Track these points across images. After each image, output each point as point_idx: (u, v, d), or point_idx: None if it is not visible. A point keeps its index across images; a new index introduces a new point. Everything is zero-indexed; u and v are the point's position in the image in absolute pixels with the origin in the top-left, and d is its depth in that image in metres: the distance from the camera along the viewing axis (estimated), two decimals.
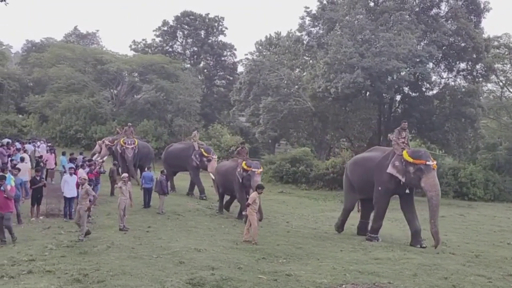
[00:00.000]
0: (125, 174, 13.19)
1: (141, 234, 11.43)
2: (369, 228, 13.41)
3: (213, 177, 18.24)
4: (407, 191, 12.75)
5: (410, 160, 12.36)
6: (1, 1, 16.09)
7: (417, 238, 12.59)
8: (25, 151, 18.61)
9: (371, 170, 13.23)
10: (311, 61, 33.03)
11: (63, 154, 19.05)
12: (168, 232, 11.93)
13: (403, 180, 12.41)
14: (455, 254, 11.50)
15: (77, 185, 13.05)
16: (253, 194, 11.89)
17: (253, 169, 14.87)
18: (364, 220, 14.31)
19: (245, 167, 15.17)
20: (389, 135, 16.00)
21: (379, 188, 12.96)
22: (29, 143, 22.65)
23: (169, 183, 19.25)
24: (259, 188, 12.14)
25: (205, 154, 19.37)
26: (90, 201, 11.19)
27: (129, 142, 20.27)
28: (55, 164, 19.04)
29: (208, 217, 14.88)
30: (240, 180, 15.08)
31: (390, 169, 12.56)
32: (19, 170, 12.32)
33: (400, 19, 26.64)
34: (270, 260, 9.66)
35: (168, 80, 38.89)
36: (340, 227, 14.53)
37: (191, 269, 8.33)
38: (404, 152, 12.60)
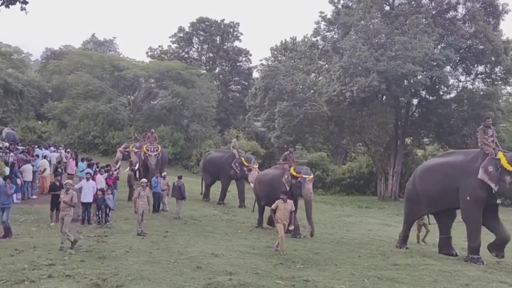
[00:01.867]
0: (144, 180, 13.29)
1: (158, 239, 11.48)
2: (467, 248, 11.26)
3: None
4: (498, 201, 11.00)
5: (510, 169, 10.38)
6: (21, 9, 16.50)
7: (501, 247, 11.13)
8: (44, 157, 18.93)
9: (453, 177, 11.21)
10: (326, 65, 32.95)
11: (82, 160, 19.27)
12: (185, 237, 11.96)
13: (495, 189, 10.53)
14: None
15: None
16: (278, 201, 11.10)
17: (304, 176, 13.30)
18: (445, 235, 12.24)
19: (294, 173, 13.48)
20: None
21: (468, 198, 10.90)
22: (46, 148, 22.98)
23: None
24: (284, 194, 11.33)
25: (246, 164, 18.52)
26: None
27: (152, 149, 19.51)
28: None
29: (225, 222, 14.88)
30: (288, 189, 13.13)
31: (481, 175, 10.60)
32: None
33: (416, 23, 26.42)
34: (287, 265, 9.61)
35: (184, 86, 39.25)
36: (402, 242, 12.61)
37: (209, 274, 8.33)
38: (502, 156, 10.64)
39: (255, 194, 15.64)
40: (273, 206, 11.11)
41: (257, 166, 18.86)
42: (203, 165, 20.72)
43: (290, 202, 11.20)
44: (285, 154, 15.03)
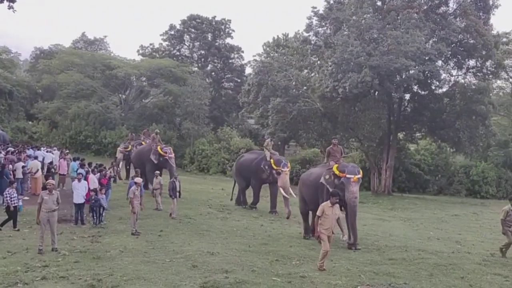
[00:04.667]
0: (139, 179, 13.23)
1: (153, 238, 11.42)
2: None
3: (285, 194, 16.28)
4: None
5: None
6: (9, 8, 16.30)
7: None
8: (36, 158, 18.77)
9: None
10: (318, 61, 32.90)
11: (74, 159, 19.11)
12: (181, 236, 11.90)
13: None
14: (471, 253, 11.37)
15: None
16: (324, 204, 9.39)
17: (348, 175, 11.48)
18: None
19: (337, 172, 11.71)
20: None
21: None
22: (38, 148, 22.79)
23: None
24: (332, 195, 9.43)
25: (274, 166, 17.01)
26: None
27: (169, 151, 18.65)
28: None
29: (220, 221, 14.81)
30: (331, 190, 11.05)
31: None
32: None
33: (408, 17, 26.42)
34: (283, 262, 9.60)
35: (176, 83, 39.06)
36: None
37: (205, 272, 8.30)
38: None
39: (299, 197, 13.87)
40: (319, 212, 9.31)
41: (288, 170, 17.14)
42: (236, 169, 19.20)
43: (337, 206, 9.45)
44: (328, 149, 12.98)
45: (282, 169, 16.86)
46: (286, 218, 16.04)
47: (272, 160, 17.27)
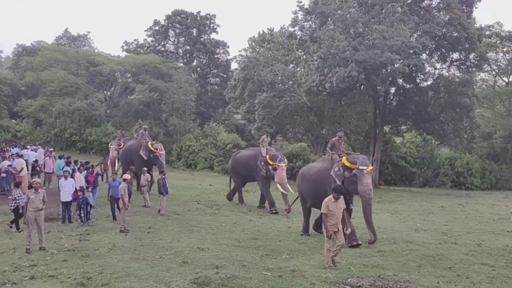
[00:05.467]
0: (128, 175, 13.13)
1: (142, 235, 11.36)
2: None
3: (282, 190, 16.22)
4: None
5: None
6: None
7: None
8: (21, 156, 18.50)
9: None
10: (304, 56, 32.97)
11: (60, 157, 18.86)
12: (170, 232, 11.86)
13: None
14: (457, 244, 11.52)
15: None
16: (327, 200, 8.83)
17: (361, 167, 10.82)
18: None
19: (347, 164, 11.01)
20: None
21: None
22: (23, 147, 22.46)
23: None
24: (335, 191, 8.83)
25: (270, 162, 16.76)
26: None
27: (160, 148, 18.42)
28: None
29: (209, 216, 14.80)
30: (333, 185, 10.25)
31: None
32: None
33: (392, 11, 26.60)
34: (273, 256, 9.63)
35: (161, 79, 38.74)
36: None
37: (195, 268, 8.28)
38: None
39: (299, 193, 13.23)
40: (323, 209, 8.80)
41: (284, 165, 16.93)
42: (231, 166, 18.96)
43: (342, 199, 8.92)
44: (332, 140, 12.19)
45: (279, 164, 16.57)
46: (287, 214, 16.01)
47: (267, 156, 16.98)
